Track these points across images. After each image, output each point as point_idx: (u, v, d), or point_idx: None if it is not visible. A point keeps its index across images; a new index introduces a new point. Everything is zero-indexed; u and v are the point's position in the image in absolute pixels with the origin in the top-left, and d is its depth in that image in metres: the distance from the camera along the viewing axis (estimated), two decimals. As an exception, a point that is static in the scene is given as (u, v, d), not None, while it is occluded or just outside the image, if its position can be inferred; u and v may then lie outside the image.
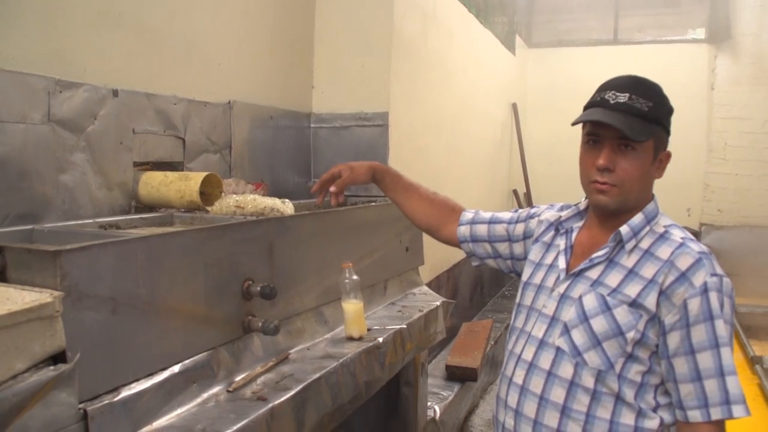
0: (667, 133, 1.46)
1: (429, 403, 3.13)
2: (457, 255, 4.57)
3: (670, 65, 6.43)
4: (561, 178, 7.15)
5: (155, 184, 2.13)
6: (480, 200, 5.44)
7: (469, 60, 4.82)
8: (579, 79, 7.34)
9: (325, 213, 2.19)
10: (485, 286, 5.45)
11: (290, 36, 3.09)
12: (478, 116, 5.22)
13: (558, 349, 1.44)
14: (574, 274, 1.48)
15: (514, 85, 6.80)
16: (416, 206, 1.89)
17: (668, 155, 1.48)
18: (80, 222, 1.85)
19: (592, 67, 7.13)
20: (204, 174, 2.08)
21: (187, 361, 1.49)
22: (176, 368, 1.46)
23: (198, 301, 1.56)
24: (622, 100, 1.40)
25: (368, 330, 2.12)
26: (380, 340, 2.09)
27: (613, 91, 1.42)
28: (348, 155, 3.16)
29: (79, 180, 1.94)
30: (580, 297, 1.44)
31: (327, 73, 3.22)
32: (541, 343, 1.48)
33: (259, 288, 1.69)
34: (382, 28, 3.15)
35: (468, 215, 1.85)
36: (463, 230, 1.83)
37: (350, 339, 2.05)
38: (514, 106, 6.66)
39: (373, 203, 2.74)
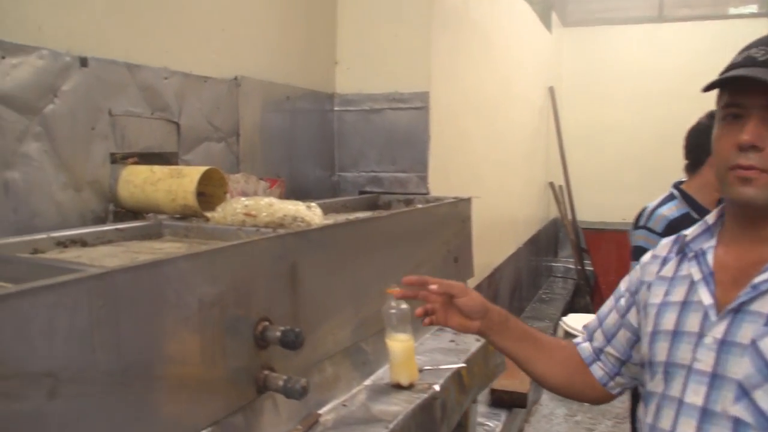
0: None
1: (476, 439, 2.63)
2: (497, 259, 4.06)
3: (725, 44, 5.83)
4: (599, 169, 6.66)
5: (139, 182, 1.63)
6: (515, 194, 4.89)
7: (511, 35, 4.27)
8: (619, 60, 6.82)
9: (360, 222, 1.68)
10: (523, 290, 4.94)
11: (310, 1, 2.57)
12: (517, 99, 4.68)
13: (736, 420, 1.02)
14: (732, 311, 1.06)
15: (550, 67, 6.24)
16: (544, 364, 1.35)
17: None
18: (30, 237, 1.33)
19: (634, 48, 6.58)
20: (203, 169, 1.58)
21: (173, 451, 1.01)
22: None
23: (190, 360, 1.07)
24: None
25: (420, 371, 1.63)
26: (437, 388, 1.59)
27: (763, 47, 1.07)
28: (379, 143, 2.65)
29: (33, 178, 1.45)
30: (754, 342, 1.02)
31: (353, 45, 2.68)
32: (705, 413, 1.05)
33: (279, 333, 1.20)
34: (419, -11, 2.61)
35: (585, 346, 1.34)
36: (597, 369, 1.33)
37: (397, 386, 1.57)
38: (551, 90, 6.11)
39: (415, 207, 2.21)
